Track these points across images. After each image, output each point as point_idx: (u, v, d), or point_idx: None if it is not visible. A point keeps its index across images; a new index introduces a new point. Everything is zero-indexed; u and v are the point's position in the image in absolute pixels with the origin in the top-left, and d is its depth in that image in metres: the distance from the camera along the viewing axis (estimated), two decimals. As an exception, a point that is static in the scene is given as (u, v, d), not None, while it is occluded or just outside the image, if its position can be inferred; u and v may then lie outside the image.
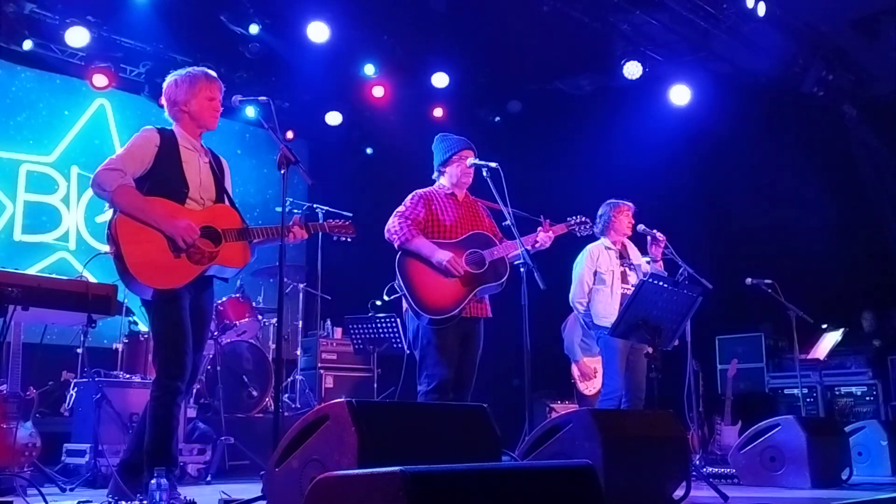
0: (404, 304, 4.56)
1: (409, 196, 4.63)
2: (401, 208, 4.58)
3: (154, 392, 3.61)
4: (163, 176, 3.64)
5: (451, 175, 4.66)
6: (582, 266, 5.65)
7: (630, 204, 5.74)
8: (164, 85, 3.85)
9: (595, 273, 5.61)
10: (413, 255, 4.44)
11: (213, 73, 3.87)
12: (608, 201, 5.78)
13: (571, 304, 5.72)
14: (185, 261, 3.58)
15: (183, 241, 3.53)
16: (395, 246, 4.47)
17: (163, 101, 3.86)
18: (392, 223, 4.51)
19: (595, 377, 6.76)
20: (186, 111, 3.77)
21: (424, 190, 4.68)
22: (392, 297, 4.59)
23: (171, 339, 3.60)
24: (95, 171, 3.56)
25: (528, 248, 4.45)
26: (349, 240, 4.24)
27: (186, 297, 3.64)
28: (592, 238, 5.66)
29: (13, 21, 7.22)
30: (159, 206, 3.58)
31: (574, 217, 4.90)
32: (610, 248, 5.68)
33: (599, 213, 5.76)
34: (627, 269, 5.64)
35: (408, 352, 4.70)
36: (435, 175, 4.77)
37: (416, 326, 4.45)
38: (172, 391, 3.58)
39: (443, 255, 4.38)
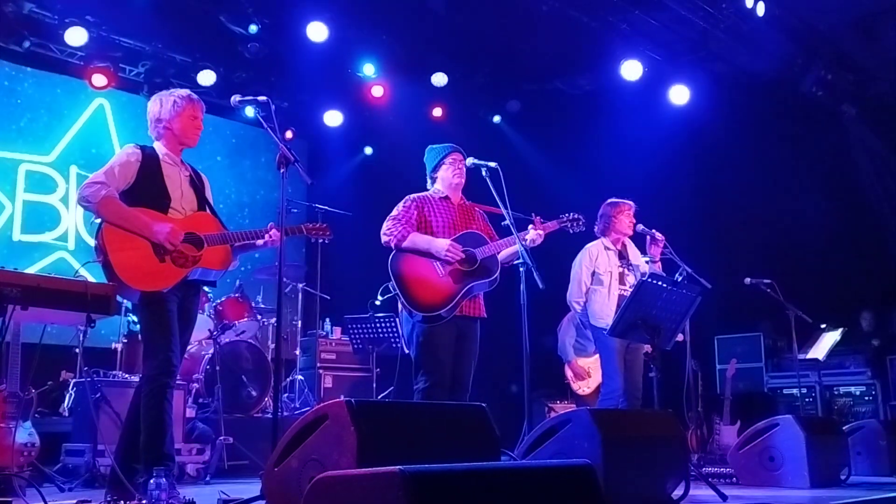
0: (399, 305, 4.58)
1: (402, 201, 4.69)
2: (394, 213, 4.63)
3: (144, 389, 3.72)
4: (146, 189, 3.84)
5: (443, 178, 4.73)
6: (580, 265, 5.65)
7: (630, 203, 5.72)
8: (149, 104, 4.04)
9: (593, 273, 5.61)
10: (406, 254, 4.49)
11: (195, 95, 4.06)
12: (609, 201, 5.77)
13: (568, 303, 5.71)
14: (170, 265, 3.77)
15: (170, 244, 3.72)
16: (392, 246, 4.52)
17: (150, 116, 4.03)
18: (386, 227, 4.58)
19: (589, 377, 6.77)
20: (170, 128, 3.96)
21: (418, 194, 4.74)
22: (385, 297, 4.62)
23: (160, 339, 3.74)
24: (80, 186, 3.76)
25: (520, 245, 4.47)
26: (327, 241, 4.42)
27: (174, 300, 3.82)
28: (590, 236, 5.66)
29: (12, 21, 7.23)
30: (143, 214, 3.78)
31: (566, 214, 4.90)
32: (609, 249, 5.67)
33: (600, 212, 5.75)
34: (626, 269, 5.63)
35: (406, 352, 4.71)
36: (428, 183, 4.84)
37: (412, 325, 4.49)
38: (162, 388, 3.71)
39: (441, 243, 4.45)
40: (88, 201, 3.69)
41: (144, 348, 3.86)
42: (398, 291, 4.43)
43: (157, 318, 3.75)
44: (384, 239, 4.56)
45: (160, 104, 3.97)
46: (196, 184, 4.05)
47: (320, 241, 4.42)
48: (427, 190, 4.83)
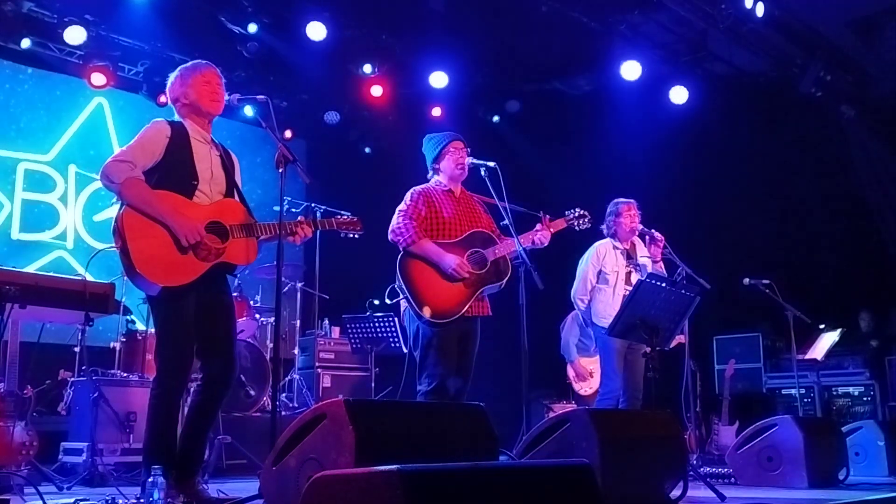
0: (402, 305, 4.54)
1: (409, 193, 4.55)
2: (402, 207, 4.50)
3: (154, 390, 3.59)
4: (173, 168, 3.56)
5: (446, 169, 4.61)
6: (587, 263, 5.65)
7: (631, 202, 5.69)
8: (167, 87, 3.81)
9: (599, 272, 5.61)
10: (416, 257, 4.38)
11: (208, 62, 3.81)
12: (613, 201, 5.76)
13: (572, 300, 5.71)
14: (192, 257, 3.48)
15: (186, 241, 3.45)
16: (401, 247, 4.41)
17: (167, 100, 3.83)
18: (397, 223, 4.43)
19: (591, 378, 6.76)
20: (188, 103, 3.71)
21: (422, 186, 4.61)
22: (395, 301, 4.52)
23: (174, 338, 3.56)
24: (105, 162, 3.50)
25: (527, 245, 4.43)
26: (356, 236, 4.11)
27: (192, 294, 3.55)
28: (597, 234, 5.65)
29: (11, 19, 7.22)
30: (167, 200, 3.50)
31: (572, 211, 4.83)
32: (618, 248, 5.66)
33: (606, 213, 5.75)
34: (634, 269, 5.62)
35: (406, 351, 4.66)
36: (430, 174, 4.72)
37: (417, 326, 4.40)
38: (173, 390, 3.57)
39: (450, 260, 4.33)
40: (112, 180, 3.43)
41: (157, 346, 3.67)
42: (408, 295, 4.31)
43: (173, 314, 3.52)
44: (393, 237, 4.43)
45: (173, 81, 3.74)
46: (227, 166, 3.78)
47: (351, 235, 4.10)
48: (428, 182, 4.68)
